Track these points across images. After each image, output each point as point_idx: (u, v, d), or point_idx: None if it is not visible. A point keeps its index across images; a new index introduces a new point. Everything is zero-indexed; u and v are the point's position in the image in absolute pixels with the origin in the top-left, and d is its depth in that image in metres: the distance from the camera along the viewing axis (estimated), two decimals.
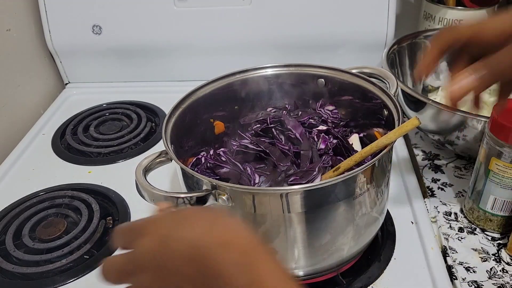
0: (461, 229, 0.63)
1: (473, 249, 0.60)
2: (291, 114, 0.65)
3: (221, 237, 0.29)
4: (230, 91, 0.64)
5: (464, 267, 0.58)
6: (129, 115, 0.91)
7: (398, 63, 0.82)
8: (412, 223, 0.64)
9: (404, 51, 0.84)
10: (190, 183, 0.51)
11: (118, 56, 0.99)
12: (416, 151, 0.77)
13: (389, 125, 0.54)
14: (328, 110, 0.65)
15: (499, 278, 0.56)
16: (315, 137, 0.62)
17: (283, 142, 0.61)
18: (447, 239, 0.61)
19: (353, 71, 0.61)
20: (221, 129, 0.65)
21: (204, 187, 0.48)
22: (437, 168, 0.74)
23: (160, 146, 0.62)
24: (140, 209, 0.65)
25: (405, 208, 0.66)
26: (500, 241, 0.61)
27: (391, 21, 0.90)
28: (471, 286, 0.55)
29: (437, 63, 0.45)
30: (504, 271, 0.57)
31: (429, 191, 0.69)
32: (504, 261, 0.58)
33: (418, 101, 0.68)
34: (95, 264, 0.60)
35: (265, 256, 0.29)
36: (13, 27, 0.91)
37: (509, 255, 0.59)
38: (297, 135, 0.61)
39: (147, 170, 0.51)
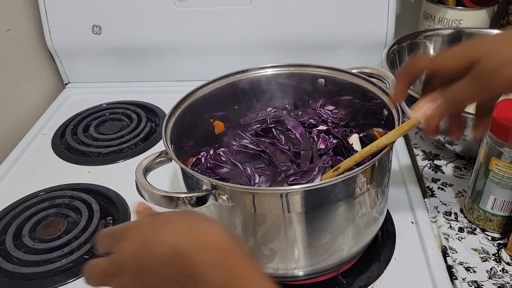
0: (461, 229, 0.63)
1: (473, 249, 0.60)
2: (291, 114, 0.65)
3: (199, 240, 0.31)
4: (230, 91, 0.64)
5: (464, 267, 0.58)
6: (129, 115, 0.91)
7: (398, 63, 0.82)
8: (412, 223, 0.64)
9: (404, 51, 0.84)
10: (190, 183, 0.51)
11: (118, 56, 0.99)
12: (416, 151, 0.77)
13: (389, 125, 0.54)
14: (328, 110, 0.65)
15: (499, 278, 0.56)
16: (315, 137, 0.62)
17: (283, 142, 0.61)
18: (447, 239, 0.61)
19: (353, 71, 0.61)
20: (221, 129, 0.65)
21: (204, 187, 0.48)
22: (437, 168, 0.74)
23: (160, 146, 0.62)
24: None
25: (405, 208, 0.66)
26: (500, 241, 0.61)
27: (391, 21, 0.90)
28: (471, 286, 0.55)
29: (406, 93, 0.48)
30: (504, 271, 0.57)
31: (429, 191, 0.69)
32: (504, 261, 0.58)
33: None
34: None
35: (240, 256, 0.31)
36: (13, 27, 0.91)
37: (509, 255, 0.59)
38: (297, 135, 0.61)
39: (147, 170, 0.51)
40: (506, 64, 0.39)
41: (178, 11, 0.92)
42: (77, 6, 0.94)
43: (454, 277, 0.56)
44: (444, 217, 0.65)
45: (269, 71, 0.64)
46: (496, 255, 0.59)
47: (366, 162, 0.48)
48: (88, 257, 0.62)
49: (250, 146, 0.61)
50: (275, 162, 0.58)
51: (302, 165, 0.58)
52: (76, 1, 0.93)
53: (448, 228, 0.63)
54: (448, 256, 0.59)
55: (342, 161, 0.55)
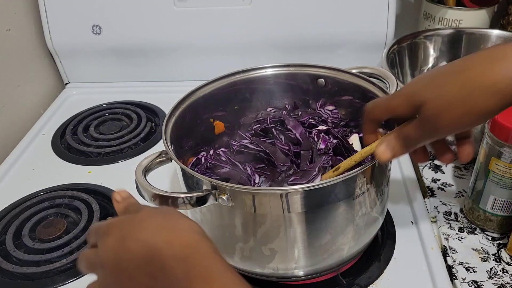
0: (461, 229, 0.63)
1: (473, 249, 0.60)
2: (291, 114, 0.65)
3: (168, 236, 0.34)
4: (230, 91, 0.64)
5: (464, 267, 0.58)
6: (129, 115, 0.91)
7: (398, 63, 0.83)
8: (412, 223, 0.64)
9: (404, 51, 0.84)
10: (190, 183, 0.51)
11: (118, 56, 0.99)
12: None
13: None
14: (328, 110, 0.65)
15: (499, 278, 0.56)
16: (315, 137, 0.62)
17: (283, 142, 0.61)
18: (447, 239, 0.61)
19: (353, 71, 0.61)
20: (221, 129, 0.65)
21: (204, 187, 0.48)
22: (437, 168, 0.74)
23: (160, 146, 0.62)
24: None
25: (405, 208, 0.66)
26: (500, 241, 0.61)
27: (391, 21, 0.90)
28: (471, 286, 0.55)
29: (377, 132, 0.50)
30: (504, 271, 0.57)
31: (429, 191, 0.69)
32: (504, 261, 0.58)
33: None
34: None
35: (204, 251, 0.34)
36: (13, 27, 0.91)
37: (509, 255, 0.59)
38: (297, 135, 0.61)
39: (147, 170, 0.51)
40: (445, 110, 0.40)
41: (178, 11, 0.92)
42: (77, 6, 0.94)
43: (454, 277, 0.56)
44: (444, 217, 0.65)
45: (269, 71, 0.64)
46: (496, 255, 0.59)
47: (366, 162, 0.48)
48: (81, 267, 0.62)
49: (250, 146, 0.61)
50: (275, 162, 0.58)
51: (302, 165, 0.58)
52: (76, 1, 0.93)
53: (448, 228, 0.63)
54: (448, 256, 0.59)
55: (342, 161, 0.54)
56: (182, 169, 0.50)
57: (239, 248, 0.52)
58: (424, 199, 0.67)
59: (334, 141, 0.61)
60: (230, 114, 0.65)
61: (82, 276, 0.59)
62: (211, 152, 0.62)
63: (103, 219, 0.67)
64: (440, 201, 0.67)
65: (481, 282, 0.56)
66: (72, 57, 1.00)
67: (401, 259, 0.59)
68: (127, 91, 1.00)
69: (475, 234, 0.62)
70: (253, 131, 0.64)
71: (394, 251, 0.60)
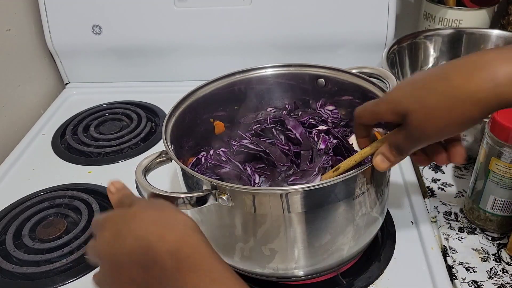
0: (461, 229, 0.63)
1: (473, 249, 0.60)
2: (291, 114, 0.65)
3: (160, 230, 0.36)
4: (230, 91, 0.64)
5: (464, 267, 0.58)
6: (129, 115, 0.91)
7: (398, 63, 0.83)
8: (412, 223, 0.64)
9: (404, 51, 0.84)
10: (190, 183, 0.51)
11: (118, 56, 0.99)
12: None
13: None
14: (328, 110, 0.65)
15: (499, 278, 0.56)
16: (315, 137, 0.62)
17: (283, 142, 0.61)
18: (447, 239, 0.61)
19: (353, 71, 0.61)
20: (221, 129, 0.65)
21: (204, 187, 0.48)
22: (437, 168, 0.74)
23: (160, 146, 0.62)
24: None
25: (405, 208, 0.66)
26: (500, 241, 0.61)
27: (391, 21, 0.90)
28: (471, 286, 0.55)
29: (369, 135, 0.50)
30: (504, 271, 0.57)
31: (429, 191, 0.69)
32: (504, 261, 0.58)
33: None
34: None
35: (196, 245, 0.35)
36: (13, 27, 0.91)
37: (509, 255, 0.59)
38: (297, 135, 0.61)
39: (147, 170, 0.51)
40: (429, 120, 0.40)
41: (178, 11, 0.92)
42: (77, 6, 0.94)
43: (454, 277, 0.56)
44: (444, 217, 0.65)
45: (269, 71, 0.64)
46: (496, 255, 0.59)
47: (366, 162, 0.48)
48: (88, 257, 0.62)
49: (250, 146, 0.61)
50: (275, 162, 0.58)
51: (302, 165, 0.58)
52: (76, 1, 0.93)
53: (448, 228, 0.63)
54: (448, 256, 0.59)
55: (342, 161, 0.54)
56: (182, 169, 0.50)
57: (239, 248, 0.52)
58: (424, 199, 0.67)
59: (334, 141, 0.61)
60: (230, 114, 0.65)
61: (82, 276, 0.59)
62: (211, 152, 0.62)
63: None
64: (440, 201, 0.67)
65: (481, 282, 0.56)
66: (72, 57, 1.00)
67: (401, 259, 0.59)
68: (127, 91, 1.00)
69: (475, 234, 0.62)
70: (253, 131, 0.64)
71: (394, 251, 0.60)
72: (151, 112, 0.93)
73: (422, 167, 0.74)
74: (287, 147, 0.60)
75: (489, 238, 0.62)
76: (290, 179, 0.55)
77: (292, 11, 0.91)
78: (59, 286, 0.58)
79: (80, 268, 0.60)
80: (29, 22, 0.96)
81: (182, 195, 0.46)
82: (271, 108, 0.67)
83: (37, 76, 0.99)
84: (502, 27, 0.92)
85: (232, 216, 0.49)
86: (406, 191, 0.69)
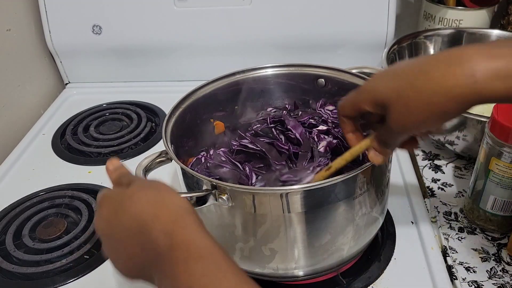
0: (461, 229, 0.63)
1: (473, 249, 0.60)
2: (291, 114, 0.65)
3: (155, 210, 0.37)
4: (230, 91, 0.64)
5: (464, 267, 0.58)
6: (129, 115, 0.91)
7: None
8: (412, 223, 0.64)
9: (404, 51, 0.84)
10: (190, 183, 0.51)
11: (118, 56, 0.99)
12: (416, 151, 0.77)
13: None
14: (328, 110, 0.65)
15: (499, 278, 0.56)
16: (315, 137, 0.62)
17: (283, 142, 0.61)
18: (447, 239, 0.61)
19: (353, 71, 0.61)
20: (221, 129, 0.65)
21: (204, 187, 0.48)
22: (437, 168, 0.74)
23: (160, 146, 0.62)
24: None
25: (405, 208, 0.66)
26: (500, 241, 0.61)
27: (391, 21, 0.90)
28: (471, 286, 0.55)
29: (356, 131, 0.49)
30: (504, 271, 0.57)
31: (429, 191, 0.69)
32: (504, 261, 0.58)
33: None
34: (96, 264, 0.60)
35: (189, 225, 0.36)
36: (13, 27, 0.91)
37: (509, 255, 0.59)
38: (297, 135, 0.61)
39: (147, 170, 0.51)
40: (408, 114, 0.40)
41: (178, 11, 0.92)
42: (77, 6, 0.94)
43: (454, 277, 0.56)
44: (444, 217, 0.65)
45: (269, 71, 0.64)
46: (496, 255, 0.59)
47: (360, 160, 0.48)
48: (88, 257, 0.62)
49: (250, 146, 0.61)
50: (269, 160, 0.58)
51: (298, 165, 0.58)
52: (76, 1, 0.93)
53: (448, 228, 0.63)
54: (448, 256, 0.59)
55: None
56: (182, 169, 0.50)
57: (239, 248, 0.52)
58: (424, 199, 0.67)
59: (334, 141, 0.61)
60: (230, 114, 0.65)
61: (82, 276, 0.59)
62: (211, 152, 0.62)
63: None
64: (440, 201, 0.67)
65: (481, 282, 0.56)
66: (72, 57, 1.00)
67: (401, 259, 0.59)
68: (127, 91, 1.00)
69: (475, 234, 0.62)
70: (253, 131, 0.64)
71: (394, 251, 0.60)
72: (151, 112, 0.93)
73: (422, 167, 0.74)
74: (286, 147, 0.60)
75: (489, 238, 0.62)
76: (284, 176, 0.55)
77: (292, 11, 0.91)
78: (59, 286, 0.58)
79: (80, 268, 0.60)
80: (29, 22, 0.96)
81: (182, 195, 0.46)
82: (271, 108, 0.67)
83: (37, 76, 0.99)
84: (502, 27, 0.92)
85: (232, 216, 0.49)
86: (406, 191, 0.69)
